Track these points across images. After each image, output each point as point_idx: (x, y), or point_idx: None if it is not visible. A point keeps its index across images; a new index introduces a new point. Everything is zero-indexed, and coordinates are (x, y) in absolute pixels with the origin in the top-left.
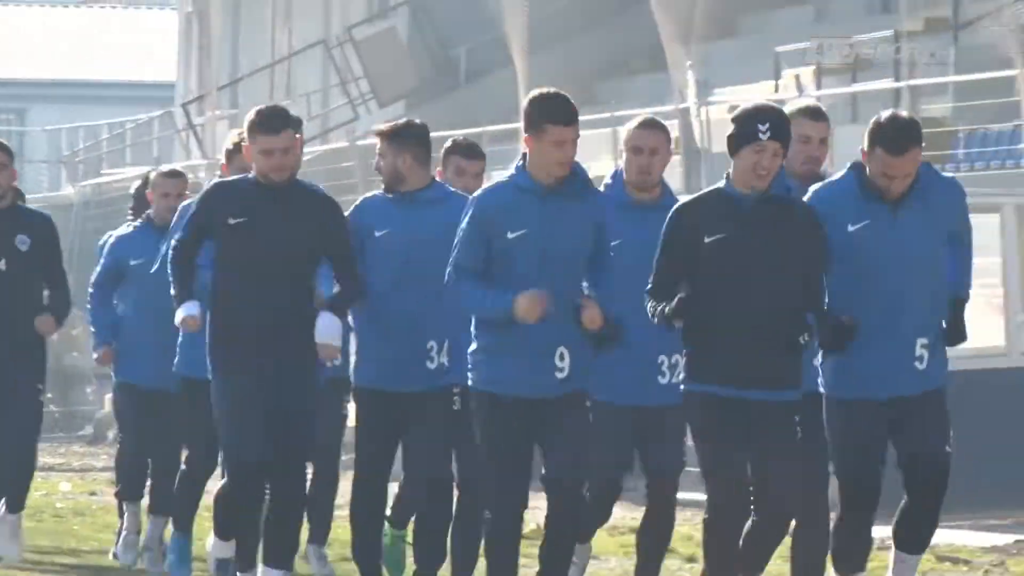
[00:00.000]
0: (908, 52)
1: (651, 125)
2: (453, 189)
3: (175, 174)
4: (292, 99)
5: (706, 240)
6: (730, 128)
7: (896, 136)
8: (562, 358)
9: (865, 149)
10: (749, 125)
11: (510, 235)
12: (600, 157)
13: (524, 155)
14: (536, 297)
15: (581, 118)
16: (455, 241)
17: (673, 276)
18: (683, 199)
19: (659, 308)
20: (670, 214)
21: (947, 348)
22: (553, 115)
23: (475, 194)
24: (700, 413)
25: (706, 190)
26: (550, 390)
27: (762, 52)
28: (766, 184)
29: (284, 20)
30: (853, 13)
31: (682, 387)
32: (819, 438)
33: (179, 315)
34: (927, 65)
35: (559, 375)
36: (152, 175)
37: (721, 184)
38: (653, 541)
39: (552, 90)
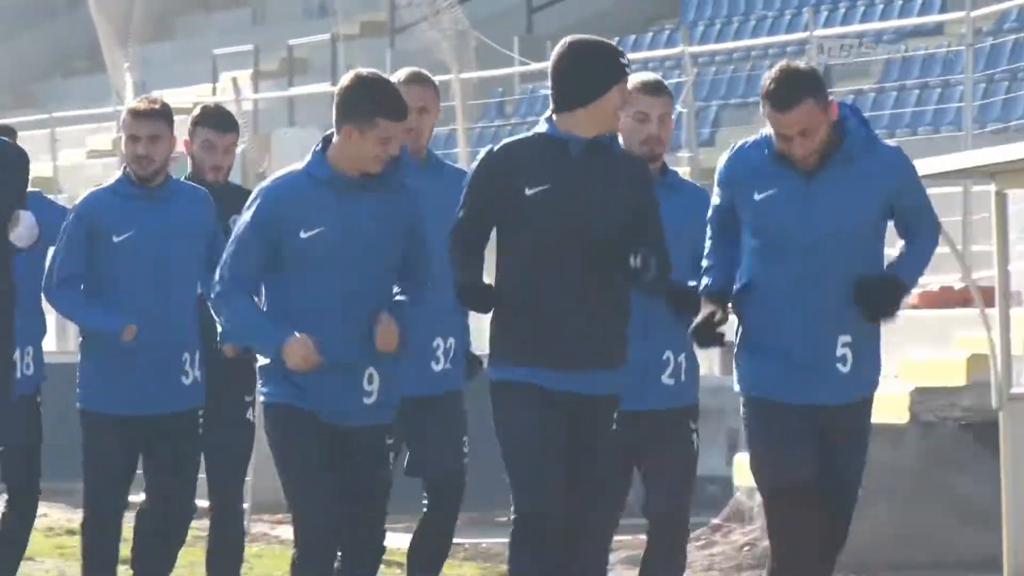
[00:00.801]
0: (345, 55)
1: (420, 81)
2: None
3: None
4: None
5: (527, 192)
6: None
7: (778, 88)
8: (371, 380)
9: (762, 112)
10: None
11: (303, 234)
12: (39, 158)
13: (325, 140)
14: (310, 348)
15: (18, 120)
16: (231, 241)
17: (480, 230)
18: (502, 142)
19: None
20: (480, 157)
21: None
22: (388, 111)
23: (263, 185)
24: (507, 403)
25: (527, 134)
26: (355, 417)
27: (200, 54)
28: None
29: None
30: (290, 16)
31: (488, 373)
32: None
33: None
34: (364, 68)
35: (367, 400)
36: None
37: (543, 128)
38: (427, 556)
39: (380, 78)
